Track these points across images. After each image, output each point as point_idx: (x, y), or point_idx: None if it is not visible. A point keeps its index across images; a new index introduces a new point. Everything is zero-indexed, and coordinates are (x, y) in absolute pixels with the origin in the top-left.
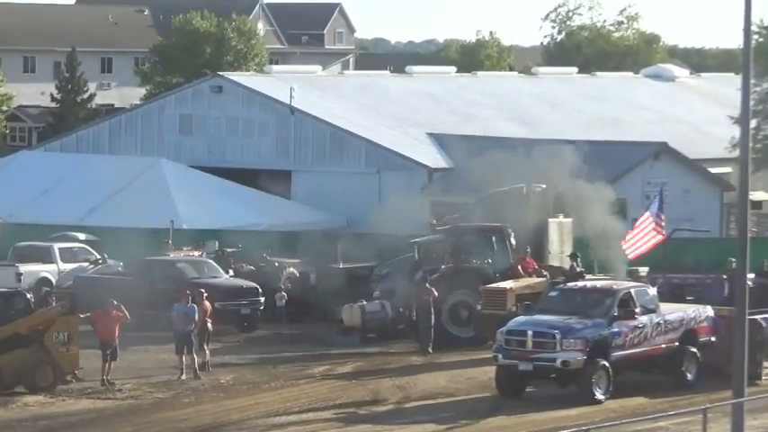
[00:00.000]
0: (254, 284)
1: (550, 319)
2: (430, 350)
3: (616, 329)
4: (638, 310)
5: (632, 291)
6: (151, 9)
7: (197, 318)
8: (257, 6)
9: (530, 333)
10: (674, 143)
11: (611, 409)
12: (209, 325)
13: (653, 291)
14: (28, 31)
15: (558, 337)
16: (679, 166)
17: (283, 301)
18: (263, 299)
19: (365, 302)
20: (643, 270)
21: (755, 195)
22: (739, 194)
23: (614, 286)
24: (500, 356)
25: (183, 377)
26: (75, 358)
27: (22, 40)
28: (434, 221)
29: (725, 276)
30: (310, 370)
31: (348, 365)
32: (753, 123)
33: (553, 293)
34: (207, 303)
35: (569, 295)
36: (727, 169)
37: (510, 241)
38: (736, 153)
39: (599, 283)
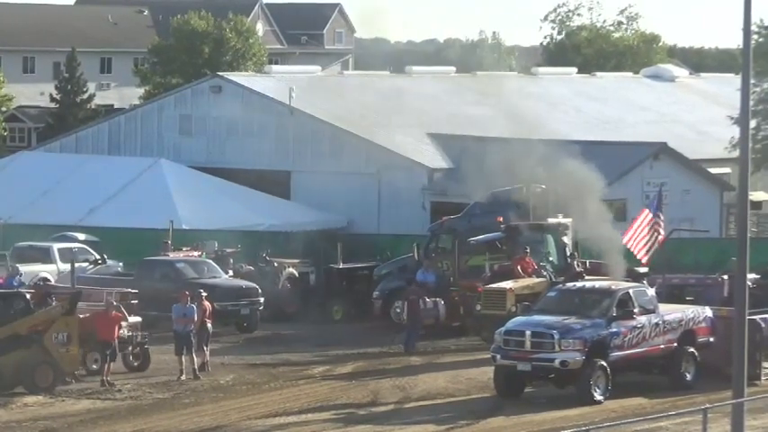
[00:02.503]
0: (254, 285)
1: (549, 319)
2: (413, 348)
3: (615, 330)
4: (636, 310)
5: (631, 291)
6: (151, 9)
7: (196, 318)
8: (256, 6)
9: (528, 333)
10: (674, 143)
11: (610, 409)
12: (209, 325)
13: (651, 291)
14: (27, 32)
15: (556, 337)
16: (678, 167)
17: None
18: (262, 299)
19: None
20: (642, 270)
21: (755, 195)
22: (739, 195)
23: (613, 287)
24: (498, 357)
25: (183, 377)
26: (75, 358)
27: (21, 41)
28: (501, 219)
29: (725, 276)
30: (310, 370)
31: (348, 366)
32: (752, 123)
33: (552, 294)
34: (206, 304)
35: (568, 296)
36: (727, 169)
37: (563, 240)
38: (736, 153)
39: (597, 284)
